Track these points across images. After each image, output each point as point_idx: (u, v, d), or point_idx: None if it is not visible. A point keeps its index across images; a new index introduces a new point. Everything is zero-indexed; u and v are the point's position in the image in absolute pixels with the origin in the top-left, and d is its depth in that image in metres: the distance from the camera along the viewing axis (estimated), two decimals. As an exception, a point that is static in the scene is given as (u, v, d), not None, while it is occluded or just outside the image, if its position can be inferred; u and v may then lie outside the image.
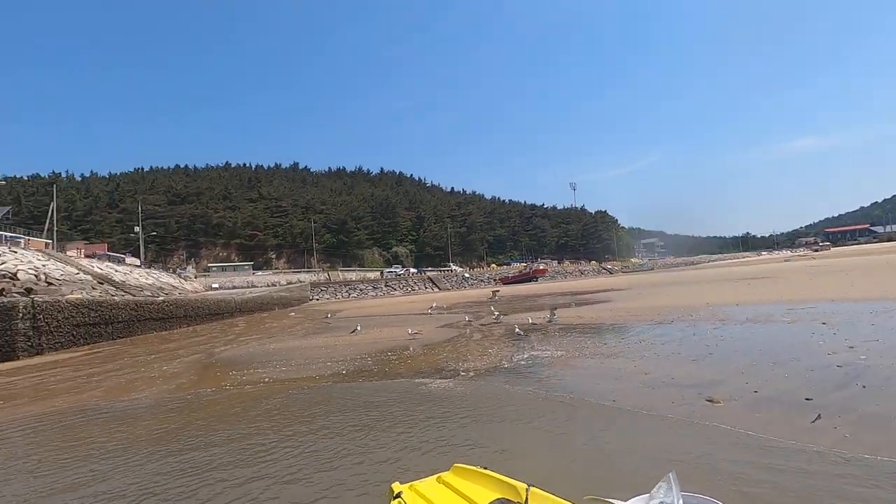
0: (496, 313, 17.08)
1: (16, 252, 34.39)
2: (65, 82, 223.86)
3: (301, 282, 68.00)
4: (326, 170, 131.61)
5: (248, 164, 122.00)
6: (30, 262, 33.17)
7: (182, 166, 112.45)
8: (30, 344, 13.74)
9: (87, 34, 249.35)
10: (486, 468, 2.15)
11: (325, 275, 76.94)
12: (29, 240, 41.26)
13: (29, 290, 26.97)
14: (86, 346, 15.50)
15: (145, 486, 3.45)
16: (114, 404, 6.32)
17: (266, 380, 7.22)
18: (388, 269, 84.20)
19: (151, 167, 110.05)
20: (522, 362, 7.41)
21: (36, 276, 30.77)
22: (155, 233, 70.81)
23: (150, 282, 48.20)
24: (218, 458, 3.98)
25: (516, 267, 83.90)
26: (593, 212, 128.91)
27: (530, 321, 12.53)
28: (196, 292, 47.88)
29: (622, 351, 7.66)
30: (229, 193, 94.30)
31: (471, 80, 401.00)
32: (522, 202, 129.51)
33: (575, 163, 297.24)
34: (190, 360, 10.22)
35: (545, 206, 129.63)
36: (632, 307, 15.03)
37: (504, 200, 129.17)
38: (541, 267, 73.84)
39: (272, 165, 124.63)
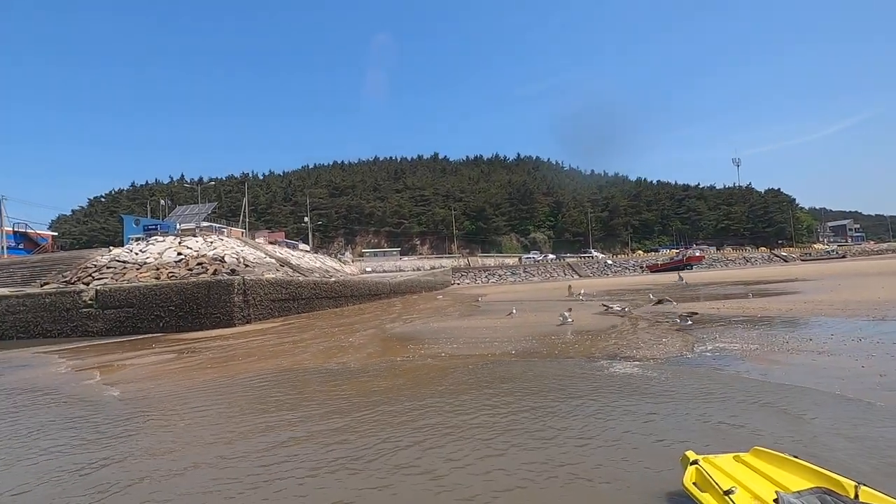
0: (655, 300, 15.95)
1: (223, 240, 41.59)
2: (250, 89, 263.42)
3: (443, 267, 71.20)
4: (464, 158, 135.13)
5: (393, 157, 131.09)
6: (232, 247, 39.93)
7: (339, 162, 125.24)
8: (242, 314, 16.73)
9: (274, 39, 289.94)
10: (795, 456, 2.07)
11: (465, 260, 79.63)
12: (230, 229, 49.75)
13: (233, 271, 32.54)
14: (280, 318, 18.27)
15: (404, 420, 3.96)
16: (325, 366, 7.40)
17: (442, 354, 7.74)
18: (527, 256, 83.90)
19: (314, 164, 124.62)
20: (708, 354, 6.82)
21: (237, 259, 36.86)
22: (320, 222, 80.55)
23: (318, 265, 54.84)
24: (455, 408, 4.39)
25: (666, 253, 77.12)
26: (762, 191, 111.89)
27: (697, 310, 11.45)
28: (353, 275, 53.18)
29: (836, 348, 6.57)
30: (378, 185, 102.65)
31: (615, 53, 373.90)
32: (673, 182, 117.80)
33: (740, 133, 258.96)
34: (368, 334, 11.42)
35: (701, 186, 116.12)
36: (834, 300, 12.80)
37: (651, 182, 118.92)
38: (696, 254, 66.59)
39: (415, 157, 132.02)
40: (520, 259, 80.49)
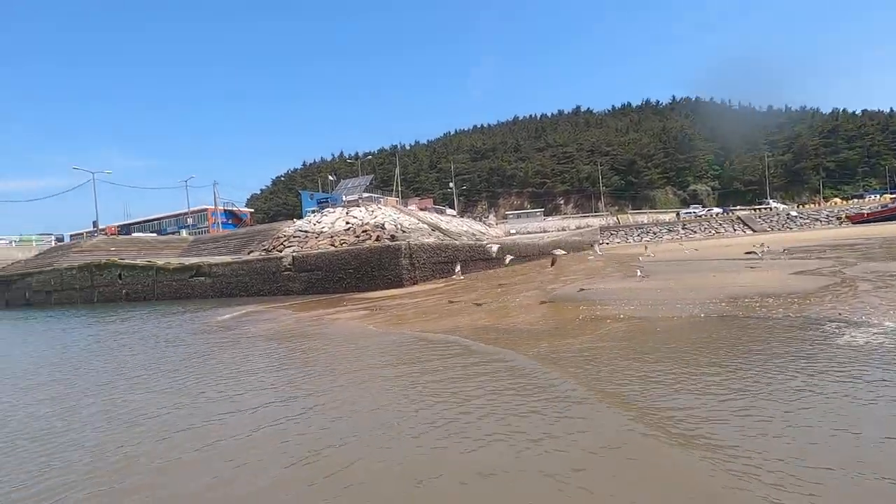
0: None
1: (381, 209, 45.22)
2: (393, 67, 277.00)
3: (590, 226, 68.23)
4: (609, 109, 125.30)
5: (533, 115, 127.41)
6: (389, 215, 43.18)
7: (479, 126, 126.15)
8: (409, 276, 18.24)
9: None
10: None
11: (614, 218, 75.06)
12: (386, 199, 53.88)
13: (392, 237, 35.27)
14: (442, 280, 19.46)
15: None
16: (500, 324, 7.74)
17: (622, 316, 7.49)
18: (685, 210, 75.95)
19: (455, 130, 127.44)
20: None
21: (395, 226, 39.80)
22: (464, 187, 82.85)
23: (465, 228, 56.66)
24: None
25: (877, 200, 62.91)
26: None
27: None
28: (498, 237, 53.98)
29: None
30: (519, 145, 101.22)
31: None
32: (886, 111, 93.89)
33: None
34: (531, 295, 11.56)
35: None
36: None
37: (854, 112, 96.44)
38: (923, 198, 53.16)
39: (555, 113, 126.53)
40: (677, 214, 73.10)
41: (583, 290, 11.31)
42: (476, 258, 24.83)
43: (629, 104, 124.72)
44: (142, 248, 42.76)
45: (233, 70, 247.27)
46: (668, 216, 73.32)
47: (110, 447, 3.71)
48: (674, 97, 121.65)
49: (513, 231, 68.95)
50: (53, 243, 46.76)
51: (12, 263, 42.04)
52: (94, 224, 52.84)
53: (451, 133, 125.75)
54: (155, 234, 50.06)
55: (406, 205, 57.46)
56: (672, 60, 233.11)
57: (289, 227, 42.12)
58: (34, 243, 45.90)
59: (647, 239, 60.60)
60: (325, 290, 18.97)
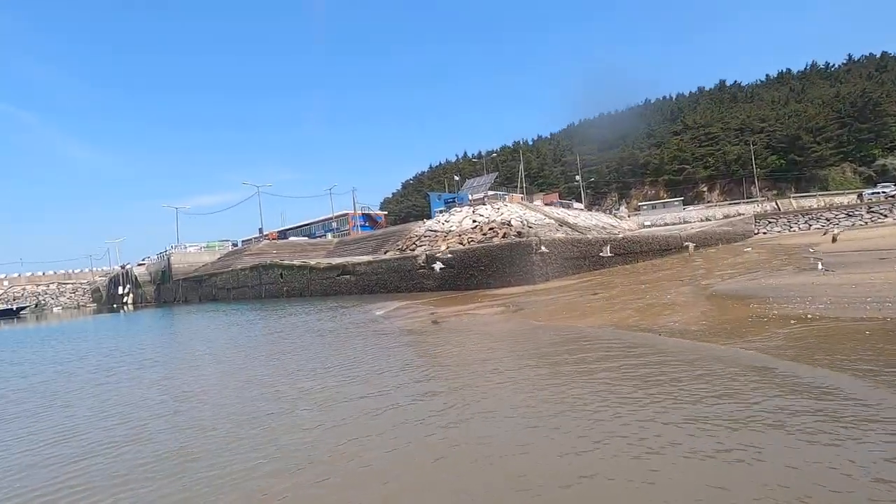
0: None
1: (506, 205, 45.10)
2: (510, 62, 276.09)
3: (741, 214, 60.47)
4: (763, 79, 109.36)
5: (667, 97, 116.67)
6: (515, 212, 42.87)
7: (606, 113, 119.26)
8: (541, 272, 17.84)
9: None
10: None
11: (772, 204, 65.32)
12: (511, 195, 53.69)
13: (519, 233, 34.92)
14: (574, 276, 18.70)
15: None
16: (654, 325, 7.09)
17: (808, 316, 6.36)
18: (871, 191, 63.18)
19: (579, 121, 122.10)
20: None
21: (521, 222, 39.34)
22: (591, 178, 79.08)
23: (593, 223, 54.17)
24: None
25: None
26: None
27: None
28: (631, 230, 50.45)
29: None
30: (652, 131, 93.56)
31: None
32: None
33: None
34: (685, 291, 10.47)
35: None
36: None
37: None
38: None
39: (694, 91, 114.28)
40: (859, 196, 61.07)
41: (747, 286, 9.94)
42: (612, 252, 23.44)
43: (788, 71, 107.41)
44: (296, 251, 48.46)
45: (367, 92, 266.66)
46: (847, 198, 61.45)
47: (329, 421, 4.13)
48: (850, 56, 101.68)
49: (647, 223, 63.95)
50: (230, 248, 55.24)
51: (203, 265, 50.52)
52: (260, 230, 61.41)
53: (575, 124, 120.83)
54: (306, 238, 56.43)
55: (531, 200, 56.66)
56: (846, 13, 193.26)
57: (419, 227, 44.23)
58: (217, 248, 54.73)
59: (818, 226, 51.64)
60: (457, 287, 19.42)
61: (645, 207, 75.78)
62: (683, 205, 74.09)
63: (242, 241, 60.50)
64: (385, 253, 36.38)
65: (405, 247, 38.85)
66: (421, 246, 37.03)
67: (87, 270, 76.57)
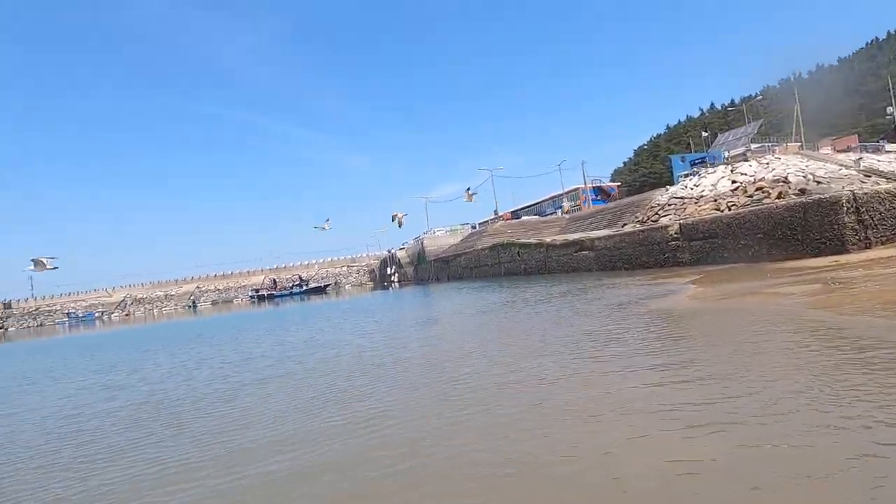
0: None
1: (779, 158, 36.50)
2: None
3: None
4: None
5: None
6: (794, 164, 34.25)
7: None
8: (857, 238, 13.24)
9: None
10: None
11: None
12: (786, 146, 43.12)
13: (801, 191, 27.62)
14: (914, 241, 13.37)
15: None
16: None
17: None
18: None
19: (888, 33, 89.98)
20: None
21: (803, 177, 31.31)
22: (913, 109, 57.46)
23: (927, 167, 39.31)
24: None
25: None
26: None
27: None
28: None
29: None
30: None
31: None
32: None
33: None
34: None
35: None
36: None
37: None
38: None
39: None
40: None
41: None
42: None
43: None
44: (529, 229, 49.20)
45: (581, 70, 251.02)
46: None
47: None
48: None
49: None
50: (469, 230, 59.87)
51: (449, 247, 56.07)
52: (495, 212, 64.69)
53: (881, 38, 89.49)
54: (537, 216, 56.75)
55: (816, 148, 44.39)
56: None
57: (662, 196, 39.43)
58: (459, 231, 60.17)
59: None
60: (723, 260, 16.12)
61: None
62: None
63: (480, 224, 64.74)
64: (623, 226, 33.63)
65: (645, 218, 35.20)
66: (665, 215, 32.88)
67: (364, 255, 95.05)
